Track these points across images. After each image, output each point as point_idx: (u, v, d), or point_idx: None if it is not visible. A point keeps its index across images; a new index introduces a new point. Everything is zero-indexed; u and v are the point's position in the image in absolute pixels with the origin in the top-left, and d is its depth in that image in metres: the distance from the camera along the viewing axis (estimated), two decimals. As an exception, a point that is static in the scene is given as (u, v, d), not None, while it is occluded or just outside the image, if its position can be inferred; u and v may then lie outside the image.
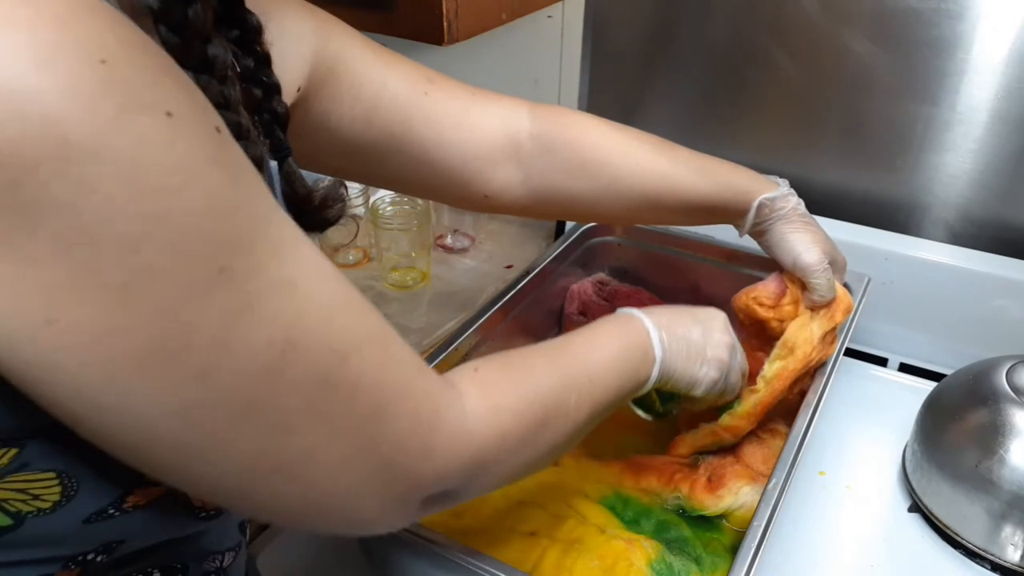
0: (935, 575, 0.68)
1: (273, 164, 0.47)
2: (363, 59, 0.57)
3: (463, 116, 0.63)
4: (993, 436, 0.67)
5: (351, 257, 1.06)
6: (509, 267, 1.05)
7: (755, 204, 0.71)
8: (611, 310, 0.91)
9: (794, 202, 0.72)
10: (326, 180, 0.54)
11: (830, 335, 0.72)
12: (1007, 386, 0.69)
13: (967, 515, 0.68)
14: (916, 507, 0.73)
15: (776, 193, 0.71)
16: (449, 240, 1.09)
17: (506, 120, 0.66)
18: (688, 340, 0.60)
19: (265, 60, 0.47)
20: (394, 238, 0.99)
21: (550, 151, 0.66)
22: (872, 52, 0.88)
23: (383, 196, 1.04)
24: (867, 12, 0.87)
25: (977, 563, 0.68)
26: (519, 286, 0.85)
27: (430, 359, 0.74)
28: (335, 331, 0.35)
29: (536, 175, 0.67)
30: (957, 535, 0.69)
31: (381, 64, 0.59)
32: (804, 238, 0.71)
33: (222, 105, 0.37)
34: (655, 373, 0.58)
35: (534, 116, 0.67)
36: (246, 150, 0.34)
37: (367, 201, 1.03)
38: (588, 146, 0.68)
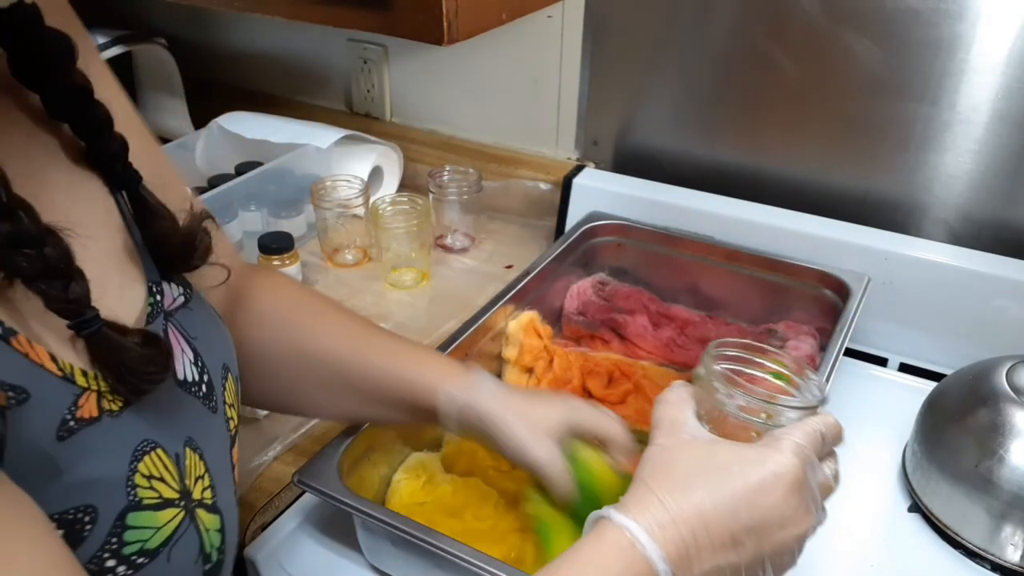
0: (935, 575, 0.68)
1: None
2: (165, 170, 0.54)
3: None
4: (993, 436, 0.67)
5: (351, 257, 1.06)
6: (509, 267, 1.05)
7: (442, 397, 0.58)
8: (611, 310, 0.92)
9: (489, 390, 0.58)
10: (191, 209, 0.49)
11: None
12: (1007, 386, 0.69)
13: (967, 515, 0.68)
14: (916, 507, 0.73)
15: (464, 384, 0.58)
16: (449, 240, 1.09)
17: (230, 259, 0.61)
18: (722, 538, 0.43)
19: (84, 92, 0.44)
20: (394, 238, 0.99)
21: (249, 300, 0.61)
22: (872, 52, 0.88)
23: (383, 196, 1.04)
24: (867, 12, 0.87)
25: (977, 563, 0.68)
26: (519, 286, 0.85)
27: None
28: None
29: (244, 343, 0.59)
30: (957, 535, 0.69)
31: (177, 179, 0.56)
32: (518, 431, 0.56)
33: None
34: None
35: (245, 266, 0.64)
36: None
37: (367, 201, 1.03)
38: (284, 308, 0.62)
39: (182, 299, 0.48)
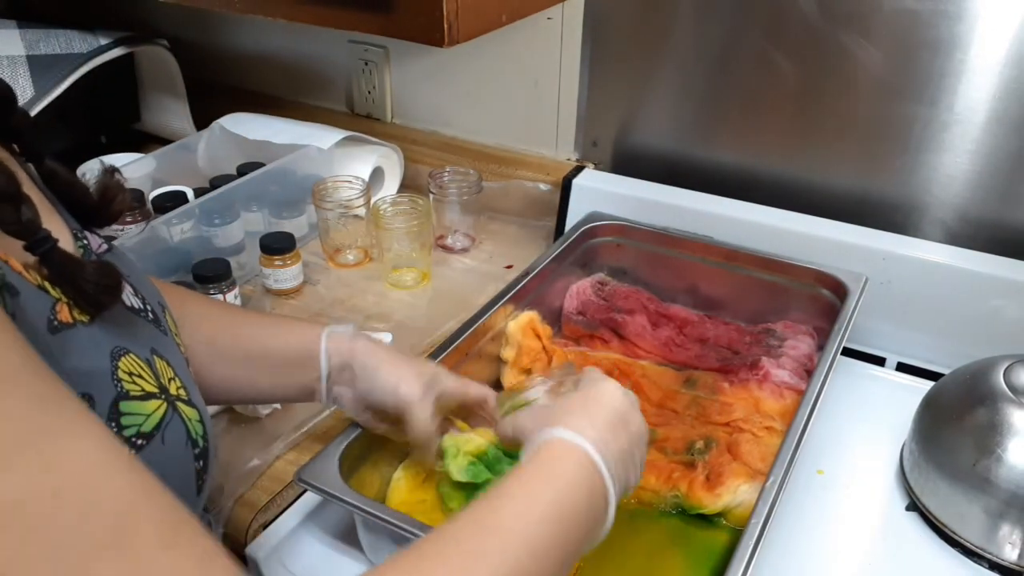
0: (933, 573, 0.68)
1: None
2: None
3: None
4: (990, 435, 0.67)
5: (352, 257, 1.06)
6: (509, 267, 1.05)
7: (323, 344, 0.64)
8: (610, 310, 0.92)
9: (364, 339, 0.66)
10: (94, 172, 0.54)
11: None
12: (1004, 385, 0.69)
13: (965, 514, 0.68)
14: (914, 506, 0.73)
15: (342, 329, 0.66)
16: (449, 240, 1.10)
17: None
18: (623, 451, 0.54)
19: None
20: (395, 238, 0.99)
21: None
22: (870, 53, 0.88)
23: (384, 196, 1.05)
24: (865, 13, 0.87)
25: (975, 561, 0.68)
26: (519, 286, 0.86)
27: (430, 359, 0.75)
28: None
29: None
30: (955, 534, 0.69)
31: None
32: (394, 372, 0.64)
33: None
34: (612, 511, 0.51)
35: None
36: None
37: (368, 201, 1.04)
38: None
39: (106, 246, 0.52)
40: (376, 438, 0.68)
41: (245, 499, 0.70)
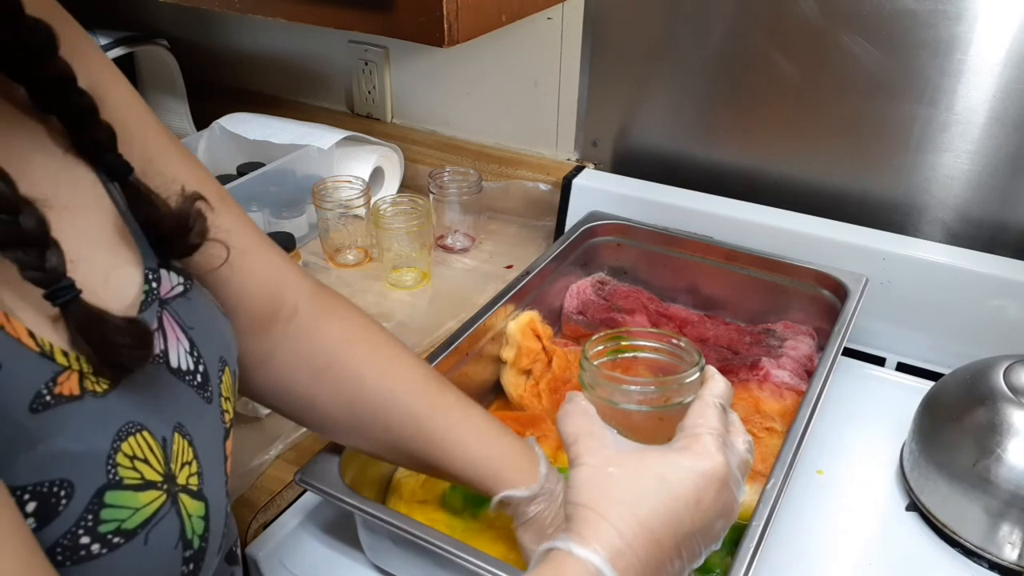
0: (933, 573, 0.68)
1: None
2: (167, 158, 0.53)
3: (238, 254, 0.52)
4: (991, 435, 0.67)
5: (352, 257, 1.06)
6: (509, 267, 1.05)
7: (495, 500, 0.56)
8: (610, 310, 0.92)
9: (546, 509, 0.55)
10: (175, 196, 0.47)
11: None
12: (1004, 386, 0.69)
13: (965, 514, 0.68)
14: (914, 506, 0.73)
15: (524, 493, 0.55)
16: (449, 240, 1.10)
17: (282, 283, 0.58)
18: (669, 554, 0.45)
19: (65, 81, 0.43)
20: (395, 238, 0.99)
21: (308, 339, 0.58)
22: (870, 53, 0.88)
23: (384, 196, 1.05)
24: (865, 13, 0.87)
25: (975, 562, 0.68)
26: (519, 286, 0.86)
27: (430, 359, 0.75)
28: None
29: (282, 359, 0.58)
30: (955, 534, 0.69)
31: (184, 167, 0.53)
32: (531, 546, 0.55)
33: None
34: None
35: (314, 295, 0.59)
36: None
37: (368, 201, 1.04)
38: (346, 354, 0.59)
39: (180, 288, 0.47)
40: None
41: (245, 499, 0.70)
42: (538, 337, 0.86)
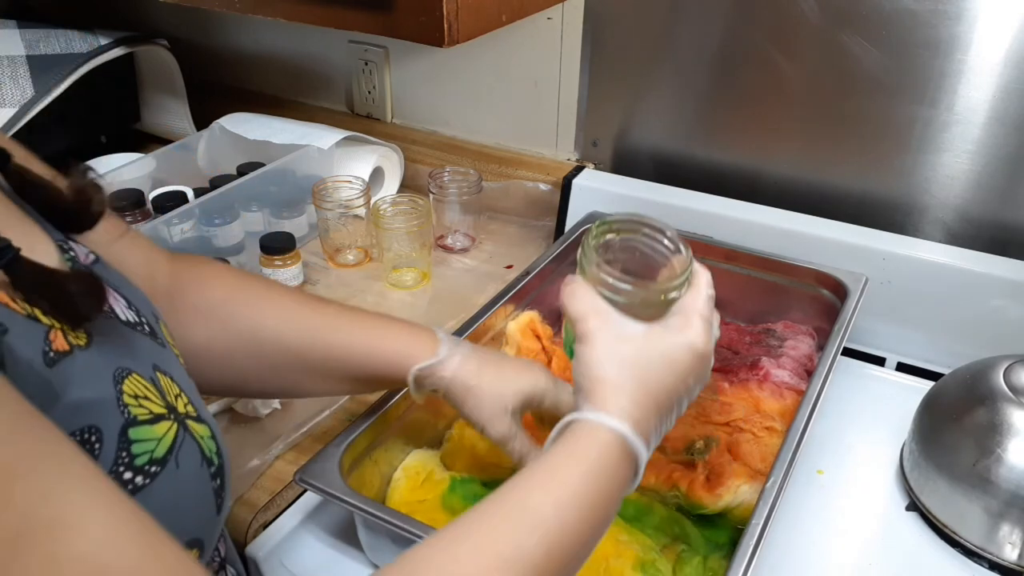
0: (933, 573, 0.68)
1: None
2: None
3: (108, 246, 0.53)
4: (991, 435, 0.67)
5: (352, 257, 1.06)
6: (509, 267, 1.05)
7: (411, 378, 0.61)
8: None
9: (454, 367, 0.61)
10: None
11: None
12: (1004, 386, 0.69)
13: (965, 514, 0.68)
14: (914, 506, 0.73)
15: (431, 361, 0.61)
16: (449, 240, 1.10)
17: (151, 260, 0.60)
18: (666, 415, 0.52)
19: None
20: (395, 238, 0.99)
21: (184, 295, 0.61)
22: (870, 53, 0.88)
23: (384, 196, 1.05)
24: (865, 13, 0.87)
25: (975, 561, 0.68)
26: (519, 286, 0.86)
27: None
28: None
29: (180, 338, 0.59)
30: (955, 534, 0.69)
31: None
32: (481, 407, 0.61)
33: None
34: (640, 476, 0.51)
35: (175, 272, 0.62)
36: None
37: (368, 201, 1.04)
38: (219, 296, 0.62)
39: (93, 257, 0.48)
40: (377, 438, 0.68)
41: (245, 499, 0.70)
42: (538, 337, 0.86)
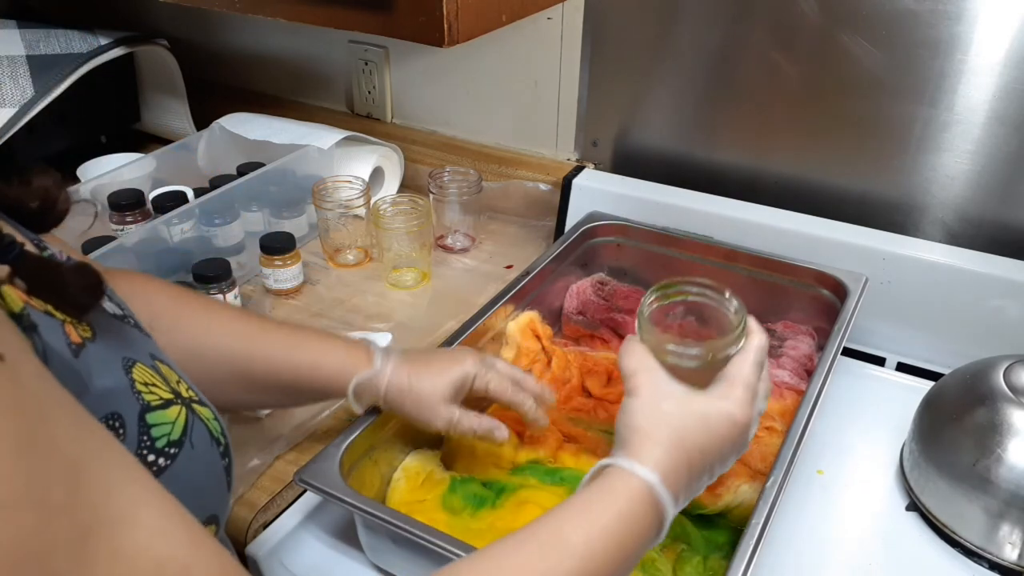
0: (933, 573, 0.68)
1: None
2: None
3: None
4: (991, 435, 0.67)
5: (352, 257, 1.06)
6: (509, 267, 1.05)
7: (350, 391, 0.65)
8: (610, 310, 0.92)
9: (388, 376, 0.65)
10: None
11: None
12: (1004, 385, 0.69)
13: (965, 514, 0.68)
14: (914, 506, 0.73)
15: (368, 373, 0.65)
16: (450, 240, 1.10)
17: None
18: (696, 477, 0.54)
19: None
20: (395, 238, 0.99)
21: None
22: (870, 53, 0.88)
23: (384, 196, 1.05)
24: (865, 13, 0.87)
25: (975, 561, 0.68)
26: (519, 286, 0.86)
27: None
28: None
29: None
30: (955, 534, 0.69)
31: None
32: (419, 406, 0.65)
33: None
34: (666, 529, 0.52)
35: (109, 275, 0.61)
36: None
37: (368, 201, 1.04)
38: (161, 309, 0.62)
39: (65, 256, 0.49)
40: (377, 438, 0.68)
41: (245, 499, 0.70)
42: (537, 337, 0.86)
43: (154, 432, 0.42)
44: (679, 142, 1.05)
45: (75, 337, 0.40)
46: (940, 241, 0.91)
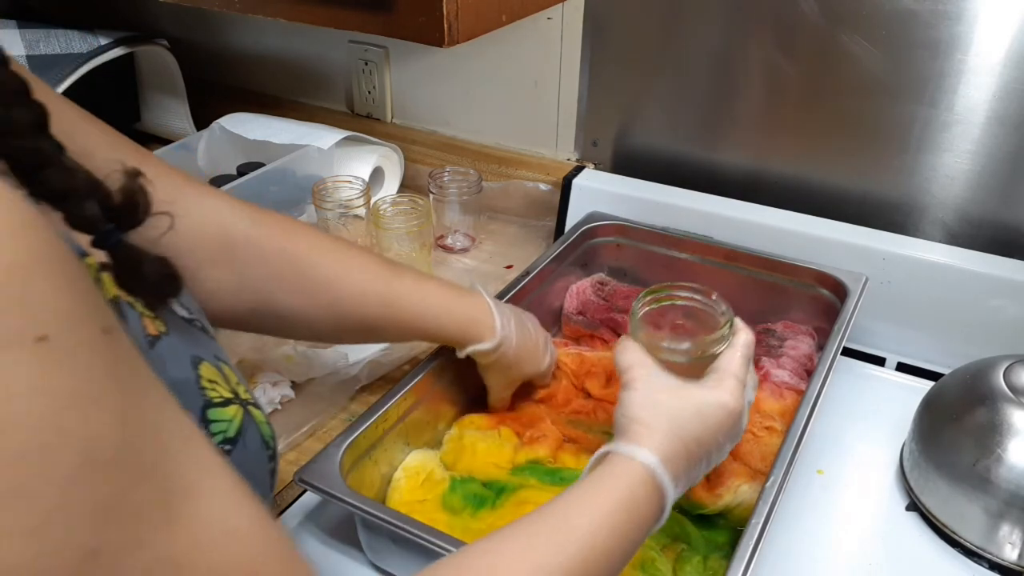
0: (933, 573, 0.68)
1: None
2: (85, 132, 0.54)
3: (170, 203, 0.56)
4: (991, 435, 0.67)
5: (352, 257, 1.06)
6: (509, 267, 1.05)
7: (463, 354, 0.71)
8: (610, 310, 0.92)
9: (498, 353, 0.71)
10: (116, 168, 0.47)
11: None
12: (1004, 385, 0.69)
13: (965, 514, 0.68)
14: (914, 506, 0.73)
15: (486, 346, 0.70)
16: (449, 240, 1.10)
17: (223, 216, 0.61)
18: (695, 465, 0.57)
19: None
20: (395, 238, 0.99)
21: (267, 261, 0.62)
22: (870, 53, 0.88)
23: (384, 196, 1.05)
24: (865, 13, 0.87)
25: (975, 561, 0.68)
26: (519, 286, 0.86)
27: (431, 358, 0.75)
28: None
29: (251, 284, 0.62)
30: (955, 534, 0.69)
31: (100, 136, 0.56)
32: (500, 383, 0.75)
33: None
34: (667, 511, 0.55)
35: (255, 220, 0.63)
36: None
37: (368, 201, 1.04)
38: (309, 264, 0.64)
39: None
40: (377, 438, 0.68)
41: (245, 499, 0.70)
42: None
43: (213, 428, 0.43)
44: (679, 142, 1.05)
45: (152, 330, 0.42)
46: (940, 241, 0.91)
